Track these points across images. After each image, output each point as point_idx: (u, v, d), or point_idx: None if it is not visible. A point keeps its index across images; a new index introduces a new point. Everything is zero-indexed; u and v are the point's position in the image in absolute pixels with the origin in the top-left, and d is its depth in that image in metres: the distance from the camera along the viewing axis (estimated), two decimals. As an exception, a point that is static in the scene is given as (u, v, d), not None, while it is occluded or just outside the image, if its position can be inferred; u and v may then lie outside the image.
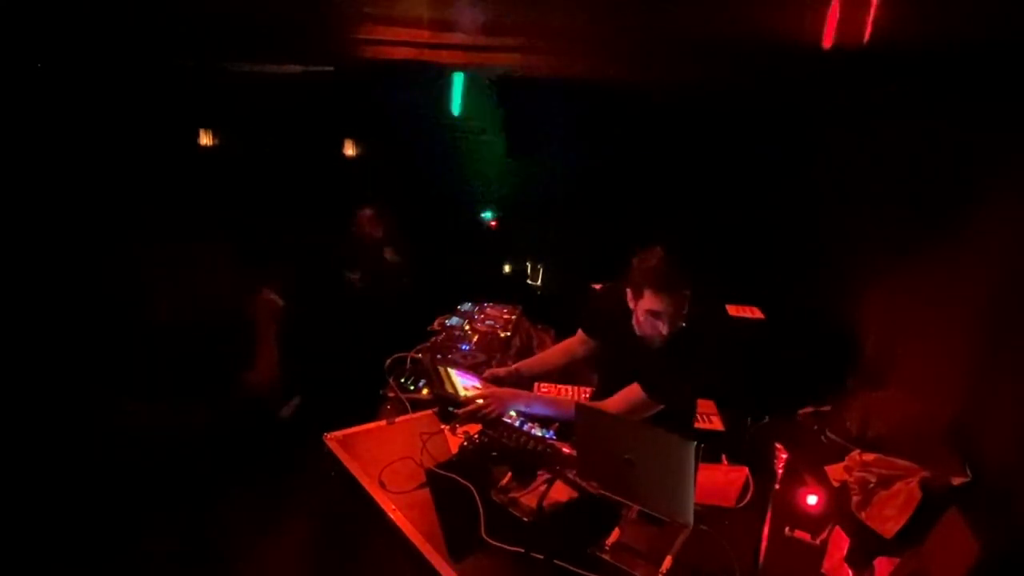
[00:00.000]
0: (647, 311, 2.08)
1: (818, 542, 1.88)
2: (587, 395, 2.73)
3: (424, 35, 3.08)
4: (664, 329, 2.08)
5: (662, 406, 2.11)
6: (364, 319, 3.73)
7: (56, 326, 3.78)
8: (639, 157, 4.76)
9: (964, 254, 2.83)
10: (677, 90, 4.48)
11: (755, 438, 3.15)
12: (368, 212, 3.94)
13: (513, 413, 2.27)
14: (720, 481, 2.02)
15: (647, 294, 2.06)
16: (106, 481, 3.10)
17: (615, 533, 1.69)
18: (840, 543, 2.00)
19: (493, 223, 5.70)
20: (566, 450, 2.01)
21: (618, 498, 1.75)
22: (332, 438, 2.11)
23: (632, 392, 2.13)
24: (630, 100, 4.71)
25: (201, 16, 2.95)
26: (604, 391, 2.32)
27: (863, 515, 2.49)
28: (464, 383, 2.43)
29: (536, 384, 2.81)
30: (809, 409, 3.32)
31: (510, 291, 4.72)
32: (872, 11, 1.94)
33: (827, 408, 3.24)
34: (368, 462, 1.97)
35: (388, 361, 2.65)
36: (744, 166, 4.47)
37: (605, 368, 2.58)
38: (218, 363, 3.74)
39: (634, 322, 2.16)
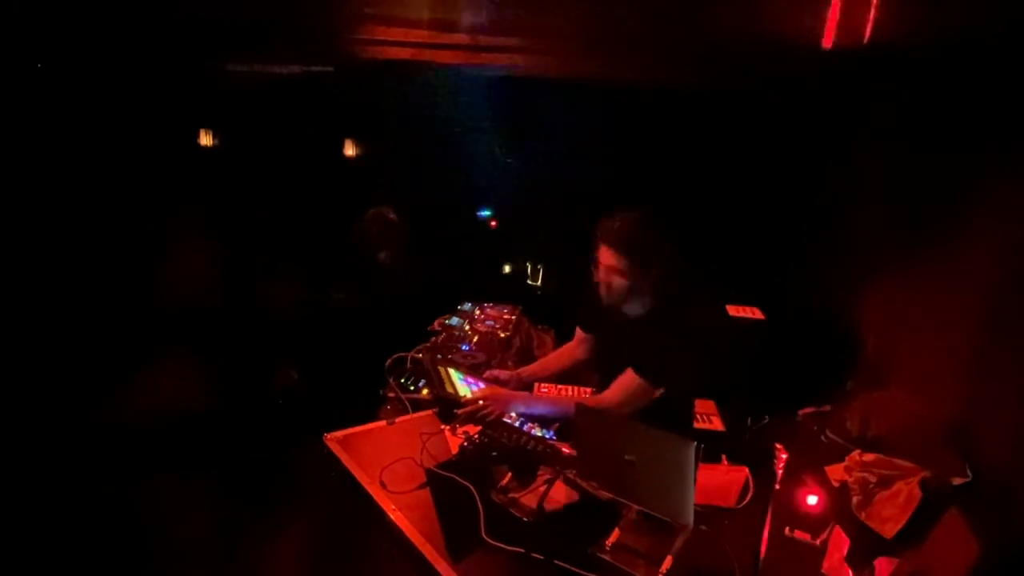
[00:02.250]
0: (602, 265, 2.16)
1: (818, 542, 1.89)
2: (587, 395, 2.73)
3: (424, 35, 3.09)
4: (616, 284, 2.13)
5: (659, 389, 2.11)
6: (366, 319, 3.73)
7: (56, 316, 3.79)
8: (639, 157, 4.75)
9: (965, 254, 2.82)
10: (677, 90, 4.48)
11: (755, 438, 3.15)
12: (371, 214, 3.95)
13: (513, 413, 2.27)
14: (720, 481, 2.02)
15: (602, 248, 2.15)
16: (104, 477, 3.10)
17: (615, 533, 1.69)
18: (840, 543, 1.99)
19: (493, 223, 5.69)
20: (566, 450, 2.01)
21: (618, 498, 1.75)
22: (332, 438, 2.11)
23: (627, 379, 2.13)
24: (630, 100, 4.71)
25: (201, 16, 2.95)
26: (603, 385, 2.32)
27: (863, 515, 2.48)
28: (464, 384, 2.42)
29: (536, 385, 2.82)
30: (809, 409, 3.31)
31: (510, 291, 4.72)
32: (872, 11, 1.95)
33: (827, 408, 3.24)
34: (368, 462, 1.98)
35: (388, 361, 2.65)
36: (744, 166, 4.47)
37: (602, 361, 2.58)
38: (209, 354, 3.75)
39: (595, 275, 2.22)
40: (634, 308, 2.22)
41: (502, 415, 2.21)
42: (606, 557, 1.63)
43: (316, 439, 2.11)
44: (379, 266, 3.93)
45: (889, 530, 2.37)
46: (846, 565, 1.94)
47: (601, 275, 2.19)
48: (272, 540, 2.76)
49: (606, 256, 2.15)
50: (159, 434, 3.36)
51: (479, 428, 2.15)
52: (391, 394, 2.51)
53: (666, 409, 2.15)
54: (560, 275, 5.48)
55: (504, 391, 2.35)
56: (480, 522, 1.69)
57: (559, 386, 2.92)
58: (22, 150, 3.94)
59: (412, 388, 2.54)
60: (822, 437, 3.01)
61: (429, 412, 2.36)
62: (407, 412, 2.37)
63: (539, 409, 2.27)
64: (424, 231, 4.61)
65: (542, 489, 1.80)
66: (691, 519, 1.61)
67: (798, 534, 1.87)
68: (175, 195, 4.56)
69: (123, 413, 3.46)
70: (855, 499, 2.55)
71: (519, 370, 2.66)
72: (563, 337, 3.00)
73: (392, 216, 3.94)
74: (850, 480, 2.62)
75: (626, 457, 1.65)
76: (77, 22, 3.24)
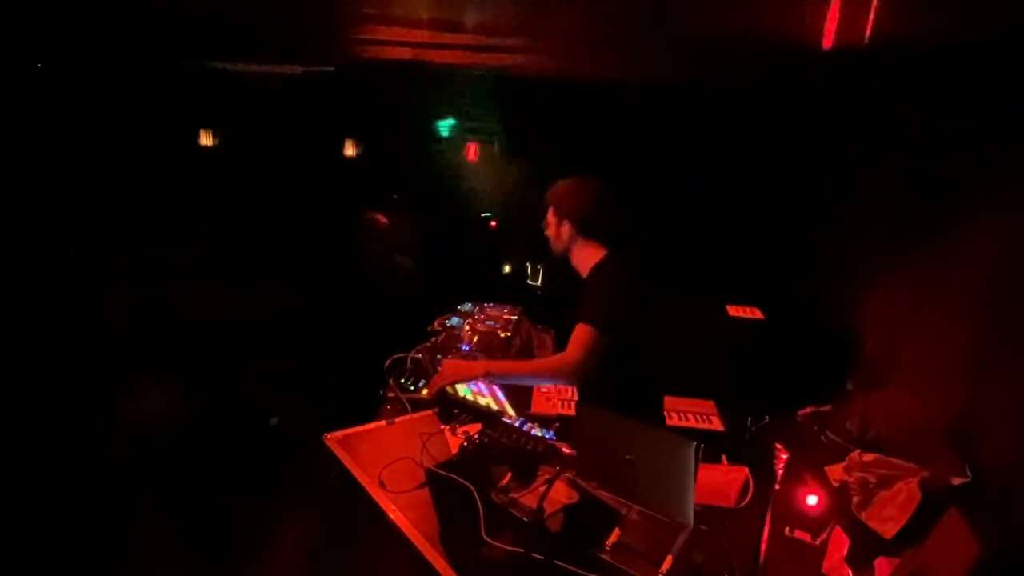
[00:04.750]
0: (549, 222, 2.43)
1: (818, 542, 1.89)
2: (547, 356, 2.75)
3: (424, 35, 3.09)
4: (548, 234, 2.42)
5: (606, 334, 2.12)
6: (369, 319, 3.73)
7: (56, 317, 3.79)
8: (638, 157, 4.75)
9: (964, 254, 2.82)
10: (677, 90, 4.48)
11: (755, 438, 3.15)
12: (372, 213, 3.95)
13: (512, 412, 2.27)
14: (720, 481, 2.02)
15: (549, 210, 2.43)
16: (104, 480, 3.10)
17: (615, 533, 1.69)
18: (840, 543, 1.99)
19: (493, 223, 5.69)
20: (566, 450, 2.01)
21: (618, 498, 1.75)
22: (332, 438, 2.11)
23: (576, 332, 2.16)
24: (630, 100, 4.71)
25: (202, 16, 2.96)
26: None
27: (863, 515, 2.48)
28: (464, 384, 2.42)
29: (535, 387, 2.83)
30: (809, 409, 3.31)
31: (510, 291, 4.72)
32: (872, 11, 1.95)
33: (827, 408, 3.24)
34: (368, 462, 1.98)
35: (388, 361, 2.65)
36: (744, 166, 4.47)
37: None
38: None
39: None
40: (582, 264, 2.36)
41: (456, 381, 2.24)
42: (606, 557, 1.63)
43: (316, 439, 2.11)
44: (379, 266, 3.93)
45: (889, 530, 2.36)
46: (846, 565, 1.95)
47: (548, 230, 2.43)
48: (272, 540, 2.76)
49: (550, 214, 2.41)
50: (159, 434, 3.36)
51: (479, 428, 2.15)
52: (391, 394, 2.51)
53: (623, 369, 2.17)
54: (560, 275, 5.48)
55: (461, 361, 2.37)
56: (480, 522, 1.69)
57: (559, 387, 2.92)
58: (22, 150, 3.93)
59: (412, 388, 2.54)
60: (822, 437, 3.01)
61: (429, 412, 2.36)
62: (407, 412, 2.37)
63: (502, 375, 2.24)
64: (424, 231, 4.61)
65: (542, 489, 1.80)
66: (691, 519, 1.61)
67: (798, 534, 1.87)
68: (175, 195, 4.56)
69: (123, 414, 3.47)
70: (855, 499, 2.54)
71: None
72: (563, 337, 3.00)
73: (384, 219, 3.94)
74: (850, 480, 2.62)
75: (626, 457, 1.66)
76: (77, 22, 3.24)
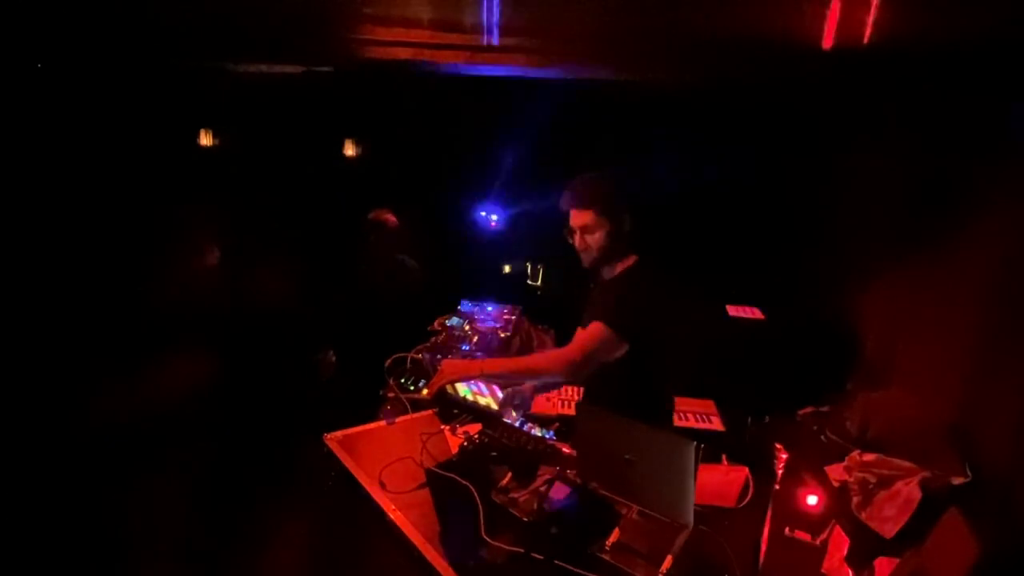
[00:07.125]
0: (577, 230, 2.13)
1: (818, 542, 1.89)
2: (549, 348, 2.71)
3: (424, 35, 3.09)
4: (593, 241, 2.11)
5: (624, 342, 2.02)
6: (366, 319, 3.74)
7: (56, 316, 3.79)
8: (639, 156, 4.75)
9: (964, 254, 2.83)
10: (677, 90, 4.48)
11: (755, 438, 3.16)
12: (373, 215, 3.95)
13: (513, 413, 2.27)
14: (720, 481, 2.02)
15: (572, 213, 2.13)
16: (102, 479, 3.10)
17: (615, 533, 1.69)
18: (840, 543, 2.00)
19: (493, 223, 5.69)
20: (566, 450, 2.01)
21: (618, 498, 1.75)
22: (332, 438, 2.11)
23: (591, 329, 2.05)
24: (630, 99, 4.71)
25: (202, 16, 2.96)
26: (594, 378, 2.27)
27: (863, 515, 2.49)
28: (464, 384, 2.42)
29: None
30: (809, 409, 3.32)
31: (510, 291, 4.72)
32: (872, 11, 1.95)
33: (827, 408, 3.25)
34: (368, 462, 1.98)
35: (388, 361, 2.65)
36: (743, 166, 4.47)
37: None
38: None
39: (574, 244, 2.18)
40: (612, 269, 2.20)
41: (454, 380, 2.17)
42: (606, 557, 1.62)
43: (316, 439, 2.12)
44: (379, 266, 3.93)
45: (889, 530, 2.37)
46: (846, 565, 1.95)
47: (578, 241, 2.15)
48: (272, 540, 2.76)
49: (578, 218, 2.12)
50: (160, 434, 3.36)
51: (479, 428, 2.15)
52: (391, 394, 2.51)
53: (640, 379, 2.08)
54: (560, 275, 5.48)
55: (459, 360, 2.32)
56: (480, 522, 1.69)
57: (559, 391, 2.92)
58: (23, 150, 3.94)
59: (412, 388, 2.54)
60: (822, 437, 3.02)
61: (429, 412, 2.36)
62: (407, 412, 2.37)
63: (500, 374, 2.17)
64: (424, 231, 4.61)
65: (542, 489, 1.80)
66: (691, 519, 1.61)
67: (798, 534, 1.87)
68: (174, 195, 4.56)
69: (123, 413, 3.47)
70: (855, 499, 2.55)
71: None
72: (563, 337, 3.00)
73: (392, 217, 3.94)
74: (850, 480, 2.63)
75: (626, 457, 1.65)
76: (77, 22, 3.24)
